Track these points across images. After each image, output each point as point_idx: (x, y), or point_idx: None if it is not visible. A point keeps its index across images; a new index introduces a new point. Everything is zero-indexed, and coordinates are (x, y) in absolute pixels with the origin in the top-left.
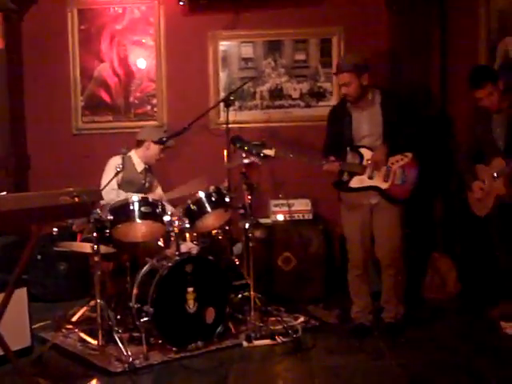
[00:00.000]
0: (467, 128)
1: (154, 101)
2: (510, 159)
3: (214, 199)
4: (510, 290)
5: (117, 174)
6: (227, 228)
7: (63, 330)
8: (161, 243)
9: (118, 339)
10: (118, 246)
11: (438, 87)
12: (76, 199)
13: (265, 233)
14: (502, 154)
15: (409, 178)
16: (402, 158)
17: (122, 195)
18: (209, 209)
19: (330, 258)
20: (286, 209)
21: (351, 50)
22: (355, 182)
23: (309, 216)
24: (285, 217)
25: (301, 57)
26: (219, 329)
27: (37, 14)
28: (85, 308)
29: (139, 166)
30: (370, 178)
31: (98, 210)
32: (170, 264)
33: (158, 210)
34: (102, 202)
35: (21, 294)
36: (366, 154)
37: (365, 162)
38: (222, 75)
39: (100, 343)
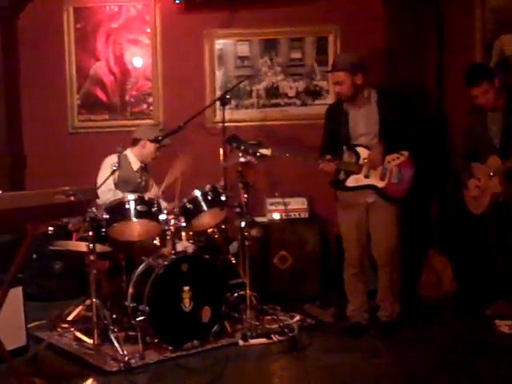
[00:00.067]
0: (463, 126)
1: (150, 99)
2: (506, 157)
3: (209, 198)
4: (506, 288)
5: (113, 172)
6: (223, 227)
7: (59, 329)
8: (157, 242)
9: (113, 338)
10: (114, 244)
11: (434, 86)
12: (72, 198)
13: (261, 231)
14: (497, 152)
15: (405, 177)
16: (399, 156)
17: (119, 196)
18: (205, 207)
19: (325, 257)
20: (282, 207)
21: (347, 48)
22: (352, 181)
23: (305, 215)
24: (281, 215)
25: (297, 55)
26: (215, 328)
27: (33, 13)
28: (80, 307)
29: (135, 165)
30: (367, 176)
31: (94, 209)
32: (165, 263)
33: (153, 209)
34: (98, 202)
35: (16, 293)
36: (363, 152)
37: (361, 161)
38: (218, 74)
39: (96, 342)
